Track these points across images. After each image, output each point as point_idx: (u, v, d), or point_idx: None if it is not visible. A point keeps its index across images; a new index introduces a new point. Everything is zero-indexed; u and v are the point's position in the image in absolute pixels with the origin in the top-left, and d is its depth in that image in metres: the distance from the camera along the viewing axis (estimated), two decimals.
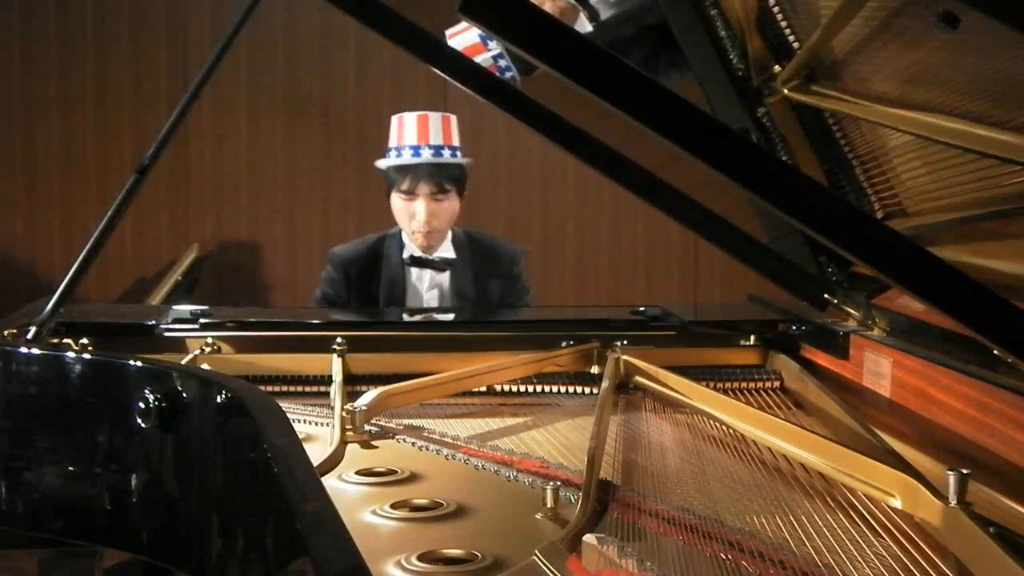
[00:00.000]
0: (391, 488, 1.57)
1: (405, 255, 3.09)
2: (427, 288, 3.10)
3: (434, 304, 3.09)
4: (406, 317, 2.97)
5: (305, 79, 5.20)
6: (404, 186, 3.01)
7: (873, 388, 2.08)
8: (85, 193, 5.11)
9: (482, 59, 2.63)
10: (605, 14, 2.84)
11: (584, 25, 2.84)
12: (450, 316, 2.96)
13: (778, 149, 2.11)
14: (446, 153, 3.03)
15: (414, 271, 3.09)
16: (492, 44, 2.64)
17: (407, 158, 3.02)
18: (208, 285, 5.13)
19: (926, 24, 1.51)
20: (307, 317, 2.95)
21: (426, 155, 3.01)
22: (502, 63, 2.66)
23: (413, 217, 3.03)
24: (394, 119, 3.10)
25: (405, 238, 3.10)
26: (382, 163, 3.10)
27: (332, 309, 3.11)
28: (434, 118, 3.06)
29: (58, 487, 1.89)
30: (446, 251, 3.10)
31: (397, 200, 3.05)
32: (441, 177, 3.01)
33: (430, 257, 3.09)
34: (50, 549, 2.07)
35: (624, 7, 2.82)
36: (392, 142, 3.08)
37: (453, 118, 3.10)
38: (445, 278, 3.10)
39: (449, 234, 3.12)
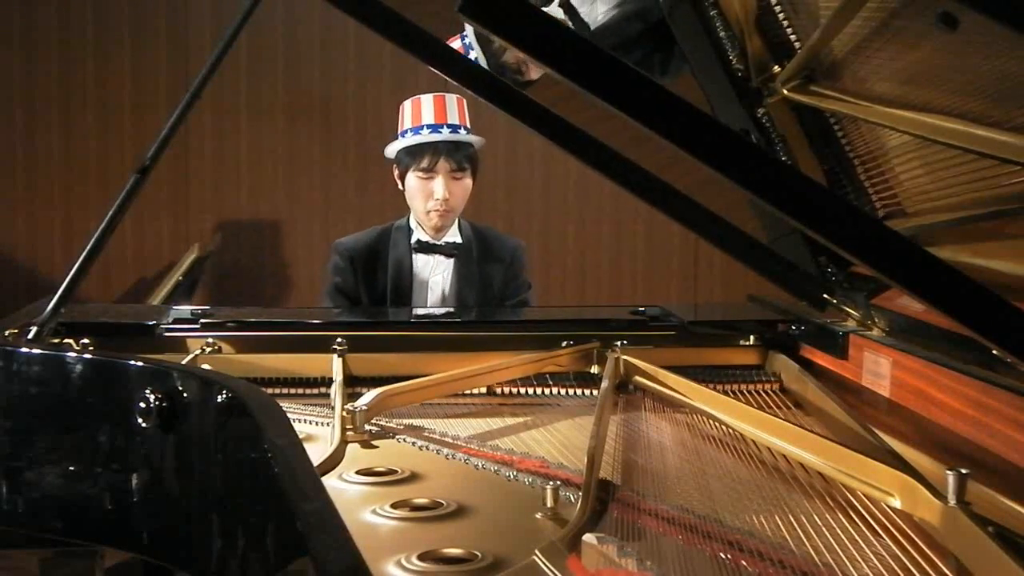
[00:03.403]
0: (391, 488, 1.57)
1: (412, 240, 3.10)
2: (432, 276, 3.11)
3: (440, 291, 3.10)
4: (406, 317, 2.97)
5: (305, 79, 5.20)
6: (424, 164, 3.02)
7: (873, 388, 2.08)
8: (86, 193, 5.11)
9: None
10: (603, 17, 2.84)
11: None
12: (450, 316, 2.96)
13: (778, 149, 2.11)
14: (463, 132, 3.06)
15: (420, 258, 3.10)
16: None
17: (426, 136, 3.03)
18: (208, 285, 5.14)
19: (925, 24, 1.51)
20: (307, 317, 2.95)
21: (445, 133, 3.03)
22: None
23: (431, 196, 3.03)
24: (407, 102, 3.11)
25: (413, 224, 3.11)
26: (395, 145, 3.10)
27: (334, 308, 3.11)
28: (450, 98, 3.09)
29: (59, 487, 1.89)
30: (453, 236, 3.12)
31: (414, 180, 3.05)
32: (459, 155, 3.04)
33: (438, 242, 3.10)
34: (50, 549, 2.07)
35: (625, 8, 2.82)
36: (407, 123, 3.08)
37: (464, 100, 3.11)
38: (450, 266, 3.11)
39: (456, 221, 3.14)
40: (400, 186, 3.12)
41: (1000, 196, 1.60)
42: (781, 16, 1.98)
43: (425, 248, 3.09)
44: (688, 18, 2.17)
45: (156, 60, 5.12)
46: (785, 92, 2.01)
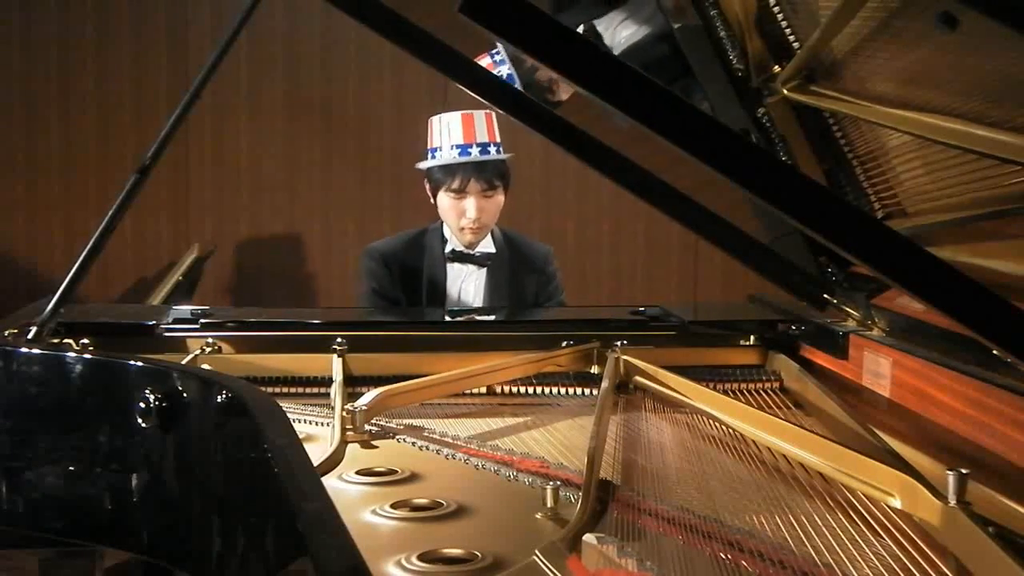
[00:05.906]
0: (391, 488, 1.57)
1: (447, 249, 3.11)
2: (465, 282, 3.12)
3: (472, 299, 3.12)
4: (406, 318, 2.97)
5: (305, 79, 5.19)
6: (455, 185, 3.04)
7: (873, 388, 2.08)
8: (86, 193, 5.11)
9: None
10: (625, 42, 2.84)
11: None
12: (450, 317, 2.96)
13: (778, 149, 2.11)
14: (492, 150, 3.06)
15: (454, 265, 3.12)
16: (516, 86, 2.66)
17: (455, 157, 3.04)
18: (208, 285, 5.13)
19: (926, 24, 1.51)
20: (307, 317, 2.95)
21: (474, 153, 3.04)
22: None
23: (463, 215, 3.06)
24: (434, 120, 3.11)
25: (447, 233, 3.13)
26: (425, 164, 3.11)
27: (363, 308, 3.11)
28: (478, 116, 3.09)
29: (59, 487, 1.89)
30: (487, 246, 3.13)
31: (446, 199, 3.07)
32: (490, 174, 3.06)
33: (472, 252, 3.11)
34: (50, 549, 2.07)
35: (642, 37, 2.82)
36: (435, 142, 3.09)
37: (494, 115, 3.12)
38: (483, 273, 3.12)
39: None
40: (432, 200, 3.13)
41: (1000, 196, 1.60)
42: (780, 16, 1.98)
43: (459, 257, 3.12)
44: (688, 18, 2.17)
45: (156, 60, 5.12)
46: (785, 92, 2.01)
